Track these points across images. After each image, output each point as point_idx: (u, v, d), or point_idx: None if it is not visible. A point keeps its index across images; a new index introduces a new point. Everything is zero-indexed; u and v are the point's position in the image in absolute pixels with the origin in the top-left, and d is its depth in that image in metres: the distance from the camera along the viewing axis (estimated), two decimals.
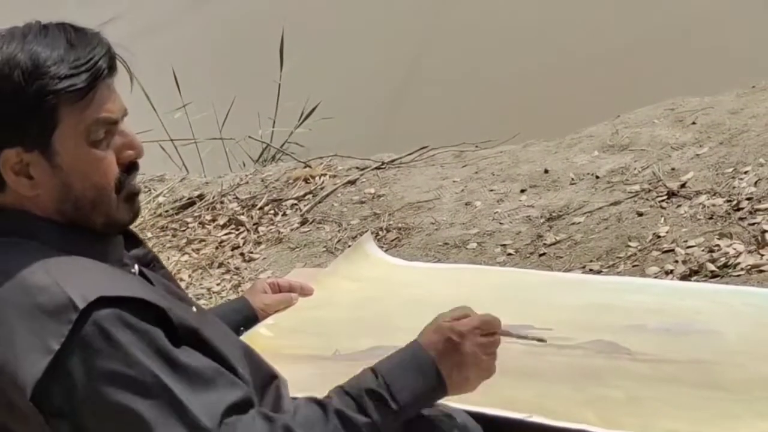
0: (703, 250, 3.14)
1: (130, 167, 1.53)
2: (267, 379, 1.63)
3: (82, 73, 1.44)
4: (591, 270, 3.26)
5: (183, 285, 3.90)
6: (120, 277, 1.51)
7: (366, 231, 3.85)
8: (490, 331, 1.64)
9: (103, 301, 1.38)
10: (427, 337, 1.61)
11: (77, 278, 1.42)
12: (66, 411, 1.39)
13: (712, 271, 3.01)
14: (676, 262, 3.13)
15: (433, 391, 1.58)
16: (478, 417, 1.73)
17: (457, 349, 1.58)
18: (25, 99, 1.42)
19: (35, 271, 1.42)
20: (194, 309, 1.62)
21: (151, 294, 1.46)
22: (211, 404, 1.40)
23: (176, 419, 1.37)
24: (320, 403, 1.49)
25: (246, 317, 2.26)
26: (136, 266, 1.63)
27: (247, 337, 2.08)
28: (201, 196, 4.85)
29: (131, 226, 1.63)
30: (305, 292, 2.41)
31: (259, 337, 2.16)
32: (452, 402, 1.70)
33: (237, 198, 4.71)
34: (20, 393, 1.37)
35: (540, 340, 1.83)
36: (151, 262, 1.72)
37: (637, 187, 3.70)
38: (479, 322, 1.63)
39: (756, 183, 3.45)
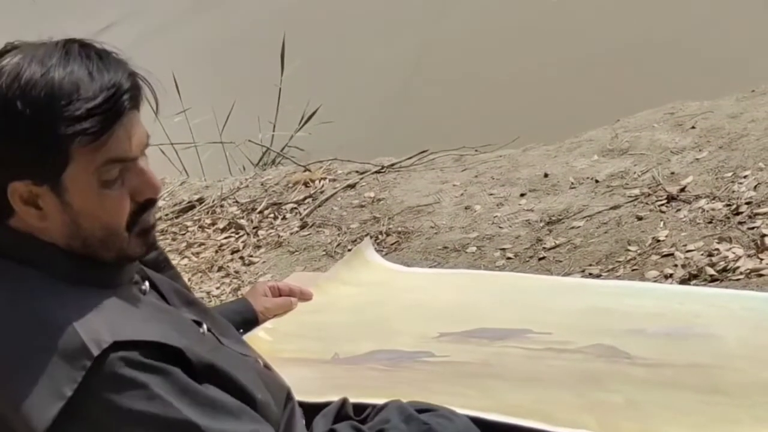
0: (702, 254, 3.14)
1: (146, 204, 1.48)
2: (282, 399, 1.63)
3: (99, 115, 1.36)
4: (590, 274, 3.25)
5: None
6: (134, 314, 1.46)
7: (366, 235, 3.86)
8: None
9: (117, 346, 1.35)
10: None
11: (92, 320, 1.38)
12: None
13: (711, 275, 3.00)
14: (676, 266, 3.12)
15: None
16: (478, 422, 1.73)
17: None
18: (38, 136, 1.36)
19: (50, 307, 1.39)
20: (205, 327, 1.59)
21: (167, 332, 1.43)
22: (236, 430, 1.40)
23: None
24: None
25: (246, 319, 2.27)
26: (147, 283, 1.59)
27: (246, 340, 2.08)
28: (201, 200, 4.85)
29: None
30: (305, 296, 2.42)
31: (259, 341, 2.17)
32: (453, 407, 1.71)
33: (237, 202, 4.71)
34: None
35: None
36: (162, 264, 1.72)
37: (636, 191, 3.70)
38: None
39: (755, 187, 3.45)
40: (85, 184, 1.40)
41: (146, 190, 1.46)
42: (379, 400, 1.77)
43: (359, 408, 1.78)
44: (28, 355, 1.36)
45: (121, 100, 1.38)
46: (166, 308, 1.57)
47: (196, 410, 1.38)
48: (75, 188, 1.40)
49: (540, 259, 3.46)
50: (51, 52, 1.38)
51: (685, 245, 3.23)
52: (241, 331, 2.18)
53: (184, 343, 1.43)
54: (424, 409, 1.72)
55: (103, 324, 1.38)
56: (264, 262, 4.08)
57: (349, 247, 3.58)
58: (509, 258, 3.52)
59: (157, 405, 1.36)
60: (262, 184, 4.82)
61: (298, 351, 2.21)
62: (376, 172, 4.57)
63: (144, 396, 1.36)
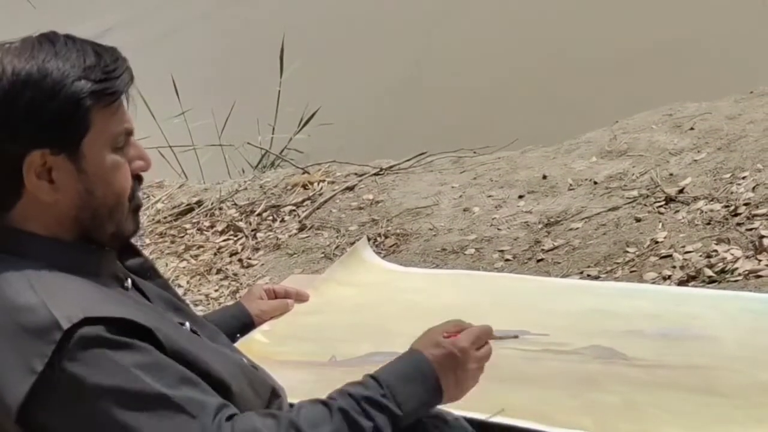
0: (700, 256, 3.14)
1: (138, 178, 1.56)
2: (268, 397, 1.62)
3: (114, 79, 1.47)
4: (589, 275, 3.25)
5: (181, 291, 3.91)
6: (109, 296, 1.50)
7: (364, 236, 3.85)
8: (484, 342, 1.66)
9: (88, 321, 1.37)
10: (429, 350, 1.61)
11: (64, 298, 1.41)
12: (54, 429, 1.38)
13: (709, 277, 3.00)
14: (674, 267, 3.12)
15: (433, 402, 1.59)
16: (475, 423, 1.73)
17: (459, 365, 1.60)
18: (63, 100, 1.42)
19: (22, 290, 1.42)
20: (188, 324, 1.61)
21: (138, 314, 1.45)
22: (205, 401, 1.41)
23: (174, 421, 1.37)
24: (324, 403, 1.49)
25: (243, 323, 2.26)
26: (130, 280, 1.62)
27: (243, 344, 2.09)
28: (199, 203, 4.85)
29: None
30: (301, 298, 2.42)
31: (255, 344, 2.17)
32: (449, 407, 1.71)
33: (235, 204, 4.71)
34: (6, 415, 1.37)
35: (514, 337, 1.90)
36: (148, 272, 1.72)
37: (635, 193, 3.70)
38: (476, 337, 1.65)
39: (754, 188, 3.45)
40: (101, 150, 1.47)
41: (141, 161, 1.55)
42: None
43: None
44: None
45: (129, 69, 1.50)
46: (146, 303, 1.60)
47: (165, 382, 1.39)
48: (92, 154, 1.46)
49: (538, 260, 3.46)
50: (54, 39, 1.48)
51: (684, 246, 3.23)
52: (239, 335, 2.19)
53: (155, 325, 1.44)
54: None
55: (75, 303, 1.40)
56: (262, 264, 4.08)
57: (348, 250, 3.58)
58: (508, 260, 3.52)
59: (126, 378, 1.37)
60: (260, 187, 4.82)
61: (295, 353, 2.21)
62: (374, 174, 4.57)
63: (114, 369, 1.37)
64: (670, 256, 3.20)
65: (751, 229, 3.20)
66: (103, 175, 1.48)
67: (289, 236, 4.24)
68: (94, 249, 1.53)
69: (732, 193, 3.47)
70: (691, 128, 4.16)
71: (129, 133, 1.51)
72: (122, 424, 1.36)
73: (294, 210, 4.47)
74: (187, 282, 4.09)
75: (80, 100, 1.42)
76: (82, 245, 1.51)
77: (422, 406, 1.57)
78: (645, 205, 3.59)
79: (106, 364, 1.37)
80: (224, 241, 4.41)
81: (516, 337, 1.92)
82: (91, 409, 1.37)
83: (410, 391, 1.54)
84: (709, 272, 3.02)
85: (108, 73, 1.46)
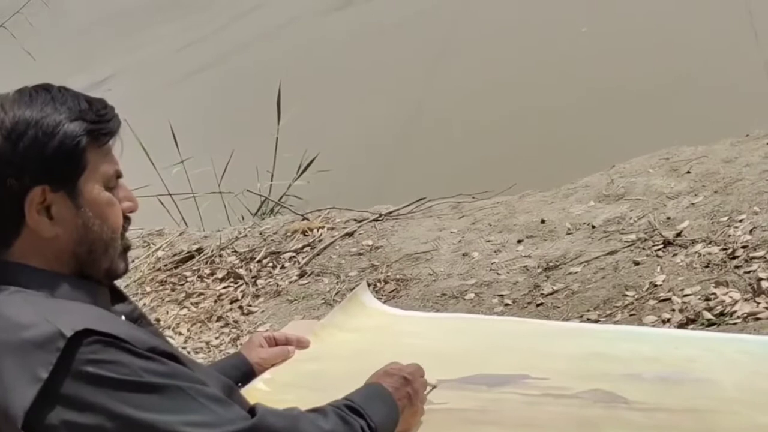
0: (699, 299, 3.15)
1: (126, 219, 1.63)
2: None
3: (106, 122, 1.56)
4: (589, 319, 3.27)
5: (182, 339, 3.92)
6: (109, 317, 1.54)
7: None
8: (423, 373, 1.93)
9: (90, 332, 1.41)
10: (382, 379, 1.84)
11: (67, 314, 1.45)
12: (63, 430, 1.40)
13: (708, 320, 3.02)
14: (673, 310, 3.14)
15: (394, 417, 1.77)
16: None
17: (409, 383, 1.85)
18: (62, 139, 1.51)
19: (24, 311, 1.46)
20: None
21: (139, 334, 1.49)
22: (219, 396, 1.48)
23: (189, 406, 1.43)
24: (314, 410, 1.62)
25: (243, 373, 2.26)
26: (123, 317, 1.66)
27: (244, 393, 2.08)
28: (200, 250, 4.86)
29: (117, 283, 1.69)
30: (302, 344, 2.41)
31: (257, 392, 2.16)
32: None
33: (236, 251, 4.73)
34: (12, 426, 1.38)
35: (433, 386, 2.01)
36: (138, 319, 1.74)
37: (633, 237, 3.72)
38: (418, 367, 1.93)
39: (751, 231, 3.47)
40: (96, 188, 1.55)
41: (130, 202, 1.63)
42: None
43: None
44: (2, 353, 1.42)
45: (117, 116, 1.60)
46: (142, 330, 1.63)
47: (176, 378, 1.45)
48: (88, 191, 1.54)
49: (538, 305, 3.47)
50: (47, 88, 1.57)
51: (682, 290, 3.24)
52: (240, 384, 2.19)
53: (157, 344, 1.49)
54: None
55: (78, 318, 1.44)
56: (263, 311, 4.09)
57: (348, 295, 3.60)
58: (507, 304, 3.54)
59: (136, 373, 1.41)
60: (260, 234, 4.84)
61: (296, 401, 2.19)
62: (374, 219, 4.60)
63: (122, 369, 1.40)
64: (669, 299, 3.22)
65: (749, 272, 3.22)
66: (99, 211, 1.56)
67: (290, 283, 4.25)
68: (91, 283, 1.59)
69: (729, 236, 3.49)
70: (688, 172, 4.19)
71: (119, 175, 1.60)
72: (134, 412, 1.39)
73: (294, 256, 4.49)
74: (188, 330, 4.10)
75: (77, 138, 1.51)
76: (79, 279, 1.57)
77: (387, 421, 1.73)
78: (643, 248, 3.61)
79: (113, 364, 1.41)
80: (225, 288, 4.42)
81: (435, 386, 2.03)
82: (101, 402, 1.39)
83: (375, 407, 1.72)
84: (708, 315, 3.03)
85: (101, 116, 1.55)
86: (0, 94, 1.56)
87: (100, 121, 1.55)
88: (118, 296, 1.71)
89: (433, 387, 2.03)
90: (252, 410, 1.52)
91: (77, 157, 1.52)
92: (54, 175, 1.51)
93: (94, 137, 1.53)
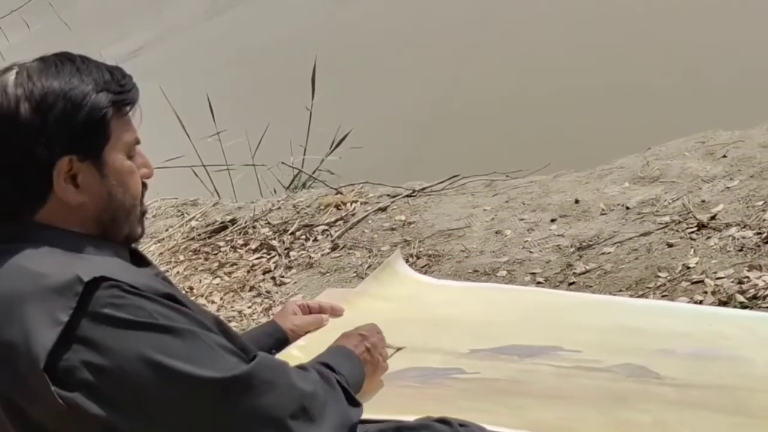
0: (732, 282, 3.14)
1: (143, 185, 1.69)
2: None
3: (127, 92, 1.62)
4: None
5: (214, 308, 3.96)
6: (128, 267, 1.61)
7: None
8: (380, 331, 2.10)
9: (108, 279, 1.47)
10: (342, 341, 2.02)
11: (86, 263, 1.52)
12: (84, 378, 1.44)
13: (741, 303, 3.01)
14: (705, 293, 3.13)
15: (360, 374, 1.93)
16: None
17: (365, 338, 2.02)
18: (89, 111, 1.55)
19: (44, 262, 1.51)
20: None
21: (155, 283, 1.55)
22: (229, 346, 1.54)
23: (201, 349, 1.48)
24: (298, 366, 1.71)
25: (277, 340, 2.29)
26: None
27: (280, 358, 2.11)
28: (233, 221, 4.89)
29: (148, 250, 1.76)
30: (336, 312, 2.44)
31: (292, 359, 2.18)
32: (481, 422, 1.73)
33: (269, 223, 4.75)
34: (33, 367, 1.42)
35: (397, 349, 2.16)
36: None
37: (667, 219, 3.70)
38: (373, 325, 2.11)
39: None
40: (119, 157, 1.61)
41: (146, 169, 1.69)
42: (408, 417, 1.79)
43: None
44: (23, 301, 1.47)
45: (135, 85, 1.65)
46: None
47: (192, 323, 1.51)
48: (112, 161, 1.60)
49: (570, 284, 3.47)
50: (71, 58, 1.61)
51: (715, 272, 3.23)
52: (274, 351, 2.21)
53: (173, 292, 1.56)
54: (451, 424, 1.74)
55: (96, 266, 1.51)
56: (295, 282, 4.11)
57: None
58: (539, 282, 3.54)
59: (152, 316, 1.47)
60: (294, 206, 4.86)
61: None
62: (407, 195, 4.60)
63: (139, 312, 1.46)
64: (701, 281, 3.21)
65: None
66: (121, 179, 1.62)
67: (322, 255, 4.27)
68: (113, 243, 1.65)
69: (764, 220, 3.47)
70: (724, 156, 4.17)
71: (137, 142, 1.66)
72: (152, 353, 1.44)
73: (327, 230, 4.51)
74: (221, 298, 4.13)
75: (104, 110, 1.57)
76: (102, 240, 1.63)
77: (355, 375, 1.89)
78: (677, 230, 3.60)
79: (131, 307, 1.46)
80: (257, 258, 4.45)
81: (401, 348, 2.17)
82: (120, 343, 1.44)
83: (343, 364, 1.85)
84: (740, 298, 3.02)
85: (122, 86, 1.61)
86: (20, 62, 1.61)
87: (122, 92, 1.60)
88: (142, 260, 1.75)
89: (398, 349, 2.17)
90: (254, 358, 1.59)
91: (103, 128, 1.57)
92: (81, 145, 1.56)
93: (118, 108, 1.59)
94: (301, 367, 1.69)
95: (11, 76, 1.56)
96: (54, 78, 1.55)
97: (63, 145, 1.54)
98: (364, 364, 1.96)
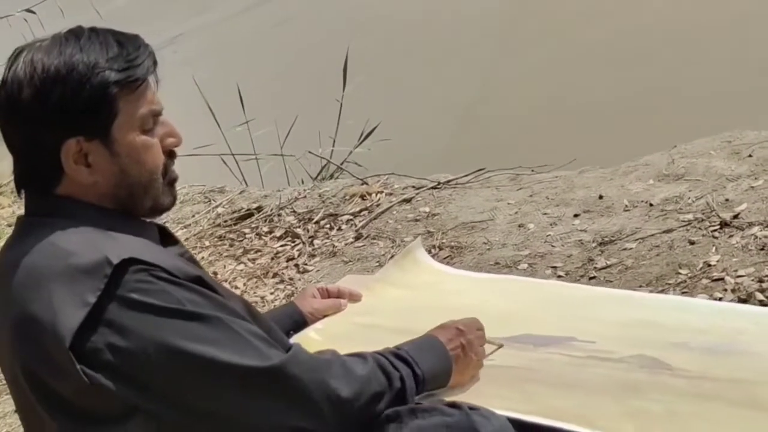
0: (752, 280, 3.14)
1: (170, 154, 1.68)
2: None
3: (136, 67, 1.59)
4: None
5: (238, 293, 3.98)
6: (155, 248, 1.62)
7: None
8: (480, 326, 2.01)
9: (136, 261, 1.48)
10: (436, 332, 1.93)
11: (114, 243, 1.53)
12: (108, 360, 1.46)
13: (760, 301, 3.01)
14: (725, 290, 3.13)
15: (445, 370, 1.85)
16: (516, 422, 1.77)
17: (462, 334, 1.93)
18: (90, 91, 1.54)
19: (72, 239, 1.53)
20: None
21: (183, 265, 1.57)
22: (259, 332, 1.57)
23: (229, 336, 1.50)
24: (358, 354, 1.72)
25: (295, 321, 2.32)
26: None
27: (297, 340, 2.14)
28: (259, 209, 4.93)
29: (168, 227, 1.77)
30: (354, 298, 2.46)
31: (309, 341, 2.21)
32: (493, 407, 1.75)
33: (294, 212, 4.78)
34: (59, 346, 1.44)
35: (499, 345, 2.09)
36: (186, 260, 1.80)
37: (690, 216, 3.70)
38: (474, 320, 2.01)
39: None
40: (131, 133, 1.60)
41: (172, 138, 1.67)
42: (422, 401, 1.81)
43: None
44: (51, 279, 1.49)
45: (152, 55, 1.63)
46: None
47: (219, 309, 1.52)
48: (122, 137, 1.59)
49: (591, 278, 3.48)
50: (79, 33, 1.60)
51: (736, 270, 3.23)
52: (292, 332, 2.24)
53: (201, 273, 1.58)
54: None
55: (125, 248, 1.52)
56: (318, 270, 4.14)
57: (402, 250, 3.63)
58: (560, 276, 3.55)
59: (177, 302, 1.49)
60: (319, 196, 4.89)
61: (346, 353, 2.25)
62: (432, 187, 4.62)
63: (167, 297, 1.48)
64: (722, 279, 3.21)
65: None
66: (135, 156, 1.60)
67: (345, 244, 4.30)
68: (138, 220, 1.67)
69: None
70: (750, 155, 4.16)
71: (157, 114, 1.64)
72: (178, 339, 1.47)
73: (351, 219, 4.54)
74: (244, 284, 4.17)
75: (106, 89, 1.55)
76: (125, 216, 1.64)
77: (437, 370, 1.82)
78: (699, 228, 3.60)
79: (158, 292, 1.48)
80: (282, 246, 4.48)
81: (501, 345, 2.09)
82: (146, 328, 1.47)
83: (425, 356, 1.80)
84: (760, 296, 3.03)
85: (130, 61, 1.58)
86: (34, 41, 1.62)
87: (129, 68, 1.58)
88: (170, 239, 1.77)
89: (499, 346, 2.09)
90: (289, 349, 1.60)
91: (107, 107, 1.57)
92: (86, 126, 1.56)
93: (123, 85, 1.57)
94: (359, 355, 1.72)
95: (20, 59, 1.58)
96: (55, 58, 1.55)
97: (66, 127, 1.55)
98: (455, 360, 1.88)
